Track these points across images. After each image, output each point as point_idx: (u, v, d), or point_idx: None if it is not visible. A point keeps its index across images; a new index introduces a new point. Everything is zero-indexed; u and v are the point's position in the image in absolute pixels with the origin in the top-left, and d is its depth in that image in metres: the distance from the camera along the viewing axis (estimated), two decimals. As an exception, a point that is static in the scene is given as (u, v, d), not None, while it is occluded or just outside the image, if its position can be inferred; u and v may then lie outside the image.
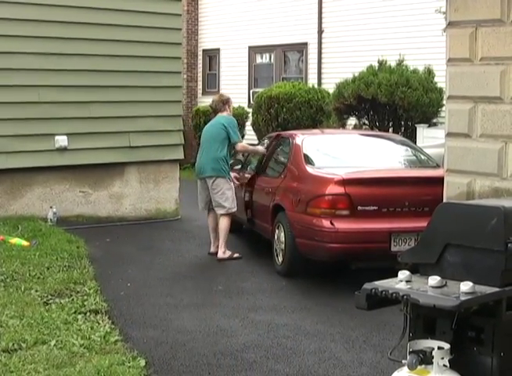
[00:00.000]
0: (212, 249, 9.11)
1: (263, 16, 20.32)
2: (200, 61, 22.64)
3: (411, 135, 14.37)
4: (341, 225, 7.38)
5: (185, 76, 21.31)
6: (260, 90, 18.86)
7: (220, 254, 8.82)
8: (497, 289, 3.67)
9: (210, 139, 8.89)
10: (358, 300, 3.85)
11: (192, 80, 22.66)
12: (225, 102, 9.11)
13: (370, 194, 7.54)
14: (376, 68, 15.33)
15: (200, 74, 22.75)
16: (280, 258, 8.16)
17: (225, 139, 8.85)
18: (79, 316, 6.15)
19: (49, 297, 6.71)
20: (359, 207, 7.47)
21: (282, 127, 16.34)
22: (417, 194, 7.58)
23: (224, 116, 9.07)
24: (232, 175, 9.41)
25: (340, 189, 7.50)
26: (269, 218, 8.52)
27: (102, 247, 9.35)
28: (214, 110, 9.17)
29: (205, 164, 8.89)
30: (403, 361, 3.75)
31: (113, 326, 6.02)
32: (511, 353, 3.72)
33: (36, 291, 6.84)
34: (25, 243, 8.75)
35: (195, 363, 5.35)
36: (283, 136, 9.48)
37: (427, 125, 14.78)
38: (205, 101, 21.50)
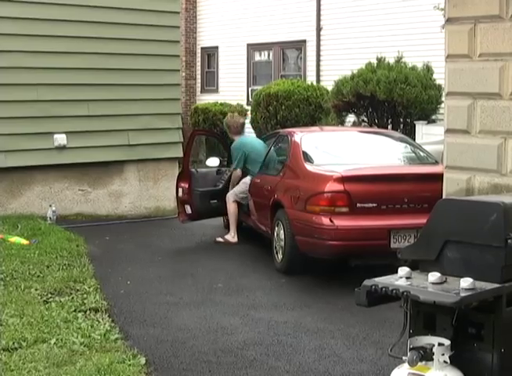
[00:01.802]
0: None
1: (261, 13, 20.33)
2: (198, 59, 22.64)
3: (410, 132, 14.37)
4: (341, 222, 7.37)
5: (183, 74, 21.31)
6: (258, 88, 18.85)
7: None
8: (497, 285, 3.67)
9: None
10: (358, 297, 3.85)
11: (191, 78, 22.67)
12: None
13: (369, 191, 7.54)
14: (375, 65, 15.33)
15: (198, 72, 22.75)
16: (280, 256, 8.15)
17: None
18: (79, 315, 6.14)
19: (49, 295, 6.69)
20: (358, 205, 7.46)
21: (280, 124, 16.35)
22: (416, 191, 7.58)
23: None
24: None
25: (339, 187, 7.49)
26: (269, 215, 8.51)
27: (102, 245, 9.35)
28: (239, 132, 10.01)
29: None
30: (404, 358, 3.75)
31: (113, 324, 6.02)
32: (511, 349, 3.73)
33: (36, 289, 6.83)
34: (24, 241, 8.74)
35: (195, 360, 5.34)
36: (282, 134, 9.49)
37: (426, 122, 14.78)
38: (204, 99, 21.53)
